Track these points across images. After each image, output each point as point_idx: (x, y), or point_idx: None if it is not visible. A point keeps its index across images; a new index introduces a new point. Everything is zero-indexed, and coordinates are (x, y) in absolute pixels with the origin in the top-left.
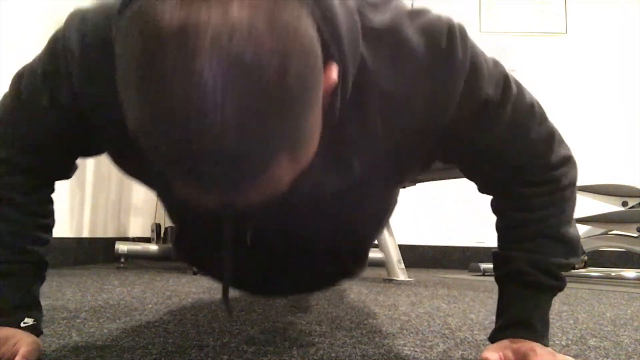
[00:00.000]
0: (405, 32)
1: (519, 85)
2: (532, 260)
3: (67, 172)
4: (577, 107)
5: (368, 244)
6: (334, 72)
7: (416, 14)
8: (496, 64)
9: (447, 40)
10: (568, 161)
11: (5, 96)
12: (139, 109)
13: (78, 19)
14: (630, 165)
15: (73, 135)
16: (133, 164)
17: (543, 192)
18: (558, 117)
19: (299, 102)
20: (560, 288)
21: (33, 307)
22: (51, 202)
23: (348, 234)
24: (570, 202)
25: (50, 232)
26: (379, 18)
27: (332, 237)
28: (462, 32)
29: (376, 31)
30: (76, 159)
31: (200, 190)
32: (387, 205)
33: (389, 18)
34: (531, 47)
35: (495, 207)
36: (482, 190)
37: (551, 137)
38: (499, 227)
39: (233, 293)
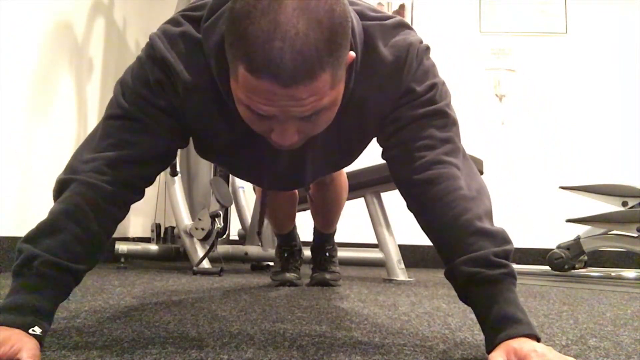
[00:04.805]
0: (379, 49)
1: (447, 103)
2: (470, 260)
3: (144, 189)
4: (577, 107)
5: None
6: (352, 52)
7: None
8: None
9: (406, 57)
10: (452, 166)
11: (110, 107)
12: (251, 31)
13: (165, 37)
14: (630, 165)
15: (172, 140)
16: (212, 148)
17: (438, 191)
18: (558, 117)
19: (340, 38)
20: (512, 274)
21: (46, 318)
22: (119, 221)
23: (339, 159)
24: (476, 201)
25: (102, 250)
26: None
27: (329, 159)
28: (420, 52)
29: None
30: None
31: (274, 87)
32: (354, 154)
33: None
34: (531, 47)
35: (420, 220)
36: (401, 192)
37: (450, 144)
38: (436, 248)
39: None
